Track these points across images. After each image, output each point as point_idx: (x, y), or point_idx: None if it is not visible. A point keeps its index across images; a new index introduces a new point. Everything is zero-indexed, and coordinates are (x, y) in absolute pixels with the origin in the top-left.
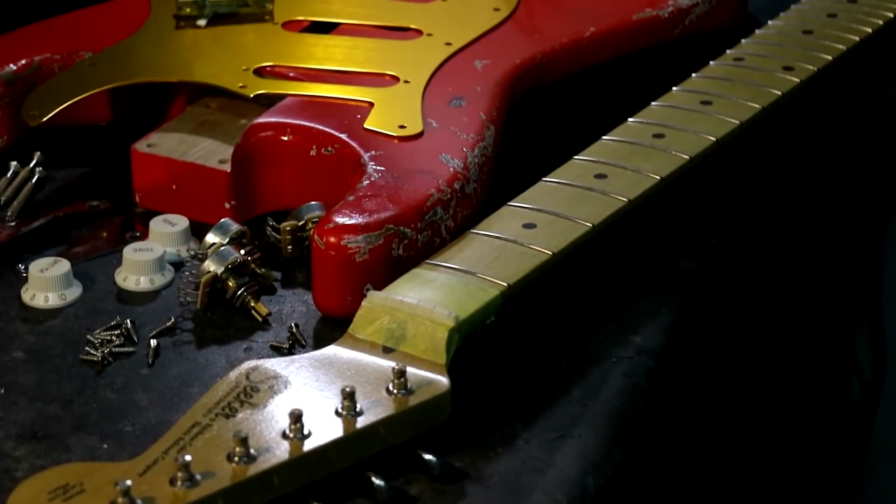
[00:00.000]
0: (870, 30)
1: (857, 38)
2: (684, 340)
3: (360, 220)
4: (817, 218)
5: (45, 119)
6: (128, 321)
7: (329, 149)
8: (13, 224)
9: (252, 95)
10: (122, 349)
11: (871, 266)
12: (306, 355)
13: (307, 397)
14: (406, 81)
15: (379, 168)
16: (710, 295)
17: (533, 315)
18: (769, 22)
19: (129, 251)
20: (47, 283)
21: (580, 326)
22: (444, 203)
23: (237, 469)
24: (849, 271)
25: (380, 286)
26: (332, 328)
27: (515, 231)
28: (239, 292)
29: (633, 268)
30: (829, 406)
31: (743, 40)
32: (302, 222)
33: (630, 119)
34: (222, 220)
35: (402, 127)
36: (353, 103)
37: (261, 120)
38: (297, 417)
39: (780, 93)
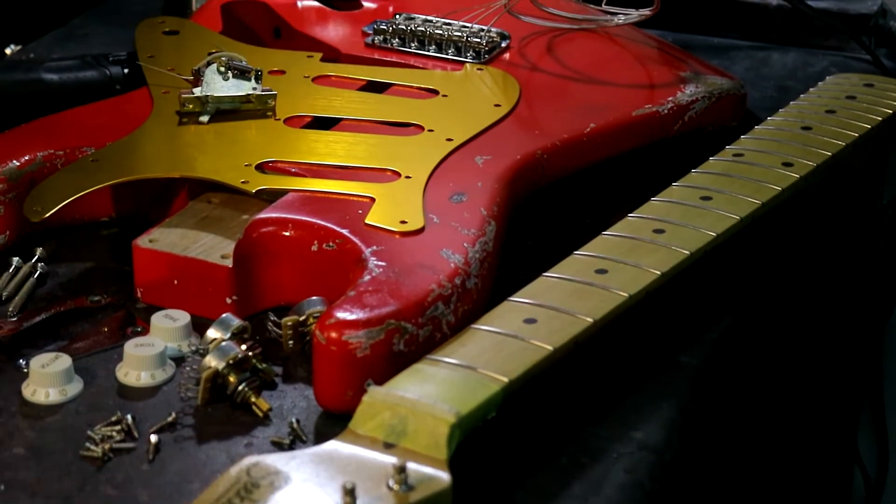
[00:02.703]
0: (868, 126)
1: (856, 135)
2: (686, 436)
3: (362, 315)
4: (818, 312)
5: (47, 215)
6: (128, 417)
7: (330, 244)
8: (15, 319)
9: (254, 191)
10: (122, 445)
11: (872, 360)
12: (307, 451)
13: (308, 493)
14: (407, 177)
15: (380, 263)
16: (711, 390)
17: (534, 409)
18: (768, 118)
19: (130, 346)
20: (48, 379)
21: (581, 421)
22: (445, 298)
23: None
24: (850, 365)
25: (381, 381)
26: (333, 423)
27: (516, 326)
28: (240, 388)
29: (633, 362)
30: (831, 501)
31: (742, 136)
32: (303, 317)
33: (630, 215)
34: (224, 315)
35: (403, 222)
36: (355, 199)
37: (262, 215)
38: None
39: (779, 189)
